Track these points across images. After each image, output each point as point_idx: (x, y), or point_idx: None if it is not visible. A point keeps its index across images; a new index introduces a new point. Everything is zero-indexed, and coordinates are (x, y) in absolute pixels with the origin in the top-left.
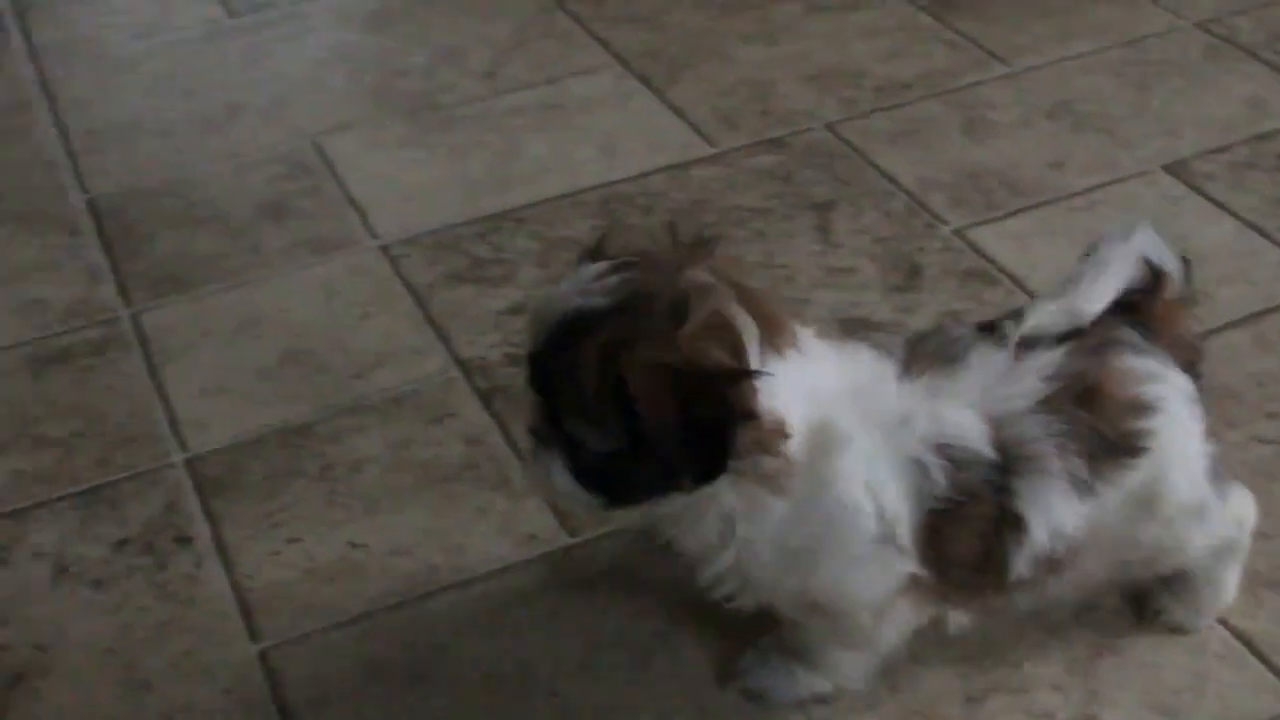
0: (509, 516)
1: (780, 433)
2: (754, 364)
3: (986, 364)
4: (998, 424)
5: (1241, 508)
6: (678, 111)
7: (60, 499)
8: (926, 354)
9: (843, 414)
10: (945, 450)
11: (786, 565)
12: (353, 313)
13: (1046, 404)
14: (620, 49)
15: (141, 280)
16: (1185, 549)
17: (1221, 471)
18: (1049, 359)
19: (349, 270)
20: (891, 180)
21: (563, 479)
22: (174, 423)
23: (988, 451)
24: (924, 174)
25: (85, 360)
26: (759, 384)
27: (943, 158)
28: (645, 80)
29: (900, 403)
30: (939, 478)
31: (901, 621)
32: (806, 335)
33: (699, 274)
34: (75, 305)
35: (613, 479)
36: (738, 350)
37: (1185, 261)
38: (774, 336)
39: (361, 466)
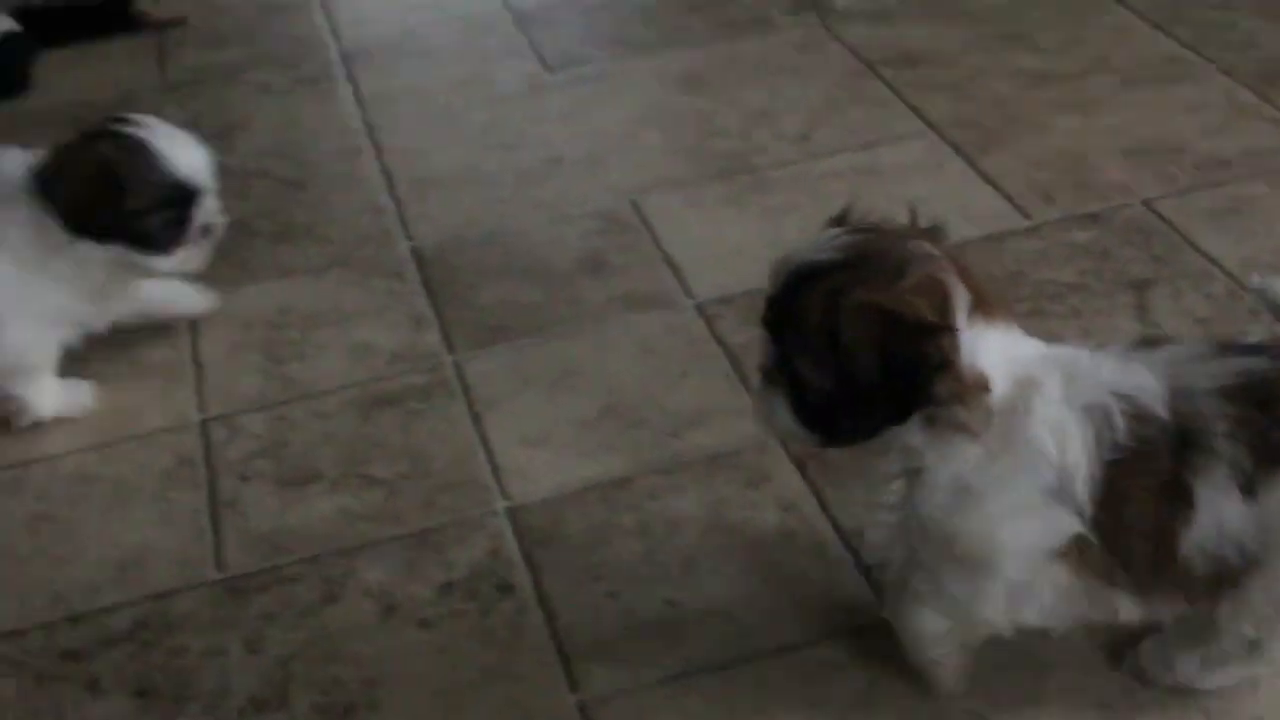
0: (825, 586)
1: (980, 387)
2: (958, 325)
3: (1183, 347)
4: (1177, 394)
5: None
6: (991, 181)
7: (388, 540)
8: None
9: (1040, 369)
10: (1125, 399)
11: (957, 504)
12: (670, 370)
13: (1228, 393)
14: (933, 116)
15: (464, 328)
16: None
17: None
18: (1248, 359)
19: (665, 328)
20: (1212, 261)
21: (784, 415)
22: (496, 470)
23: (1163, 413)
24: (1247, 255)
25: (411, 404)
26: (959, 341)
27: (1267, 240)
28: (958, 148)
29: (1093, 361)
30: (1119, 423)
31: (1058, 592)
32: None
33: (923, 245)
34: (401, 350)
35: (826, 417)
36: (944, 309)
37: None
38: (985, 307)
39: (679, 525)
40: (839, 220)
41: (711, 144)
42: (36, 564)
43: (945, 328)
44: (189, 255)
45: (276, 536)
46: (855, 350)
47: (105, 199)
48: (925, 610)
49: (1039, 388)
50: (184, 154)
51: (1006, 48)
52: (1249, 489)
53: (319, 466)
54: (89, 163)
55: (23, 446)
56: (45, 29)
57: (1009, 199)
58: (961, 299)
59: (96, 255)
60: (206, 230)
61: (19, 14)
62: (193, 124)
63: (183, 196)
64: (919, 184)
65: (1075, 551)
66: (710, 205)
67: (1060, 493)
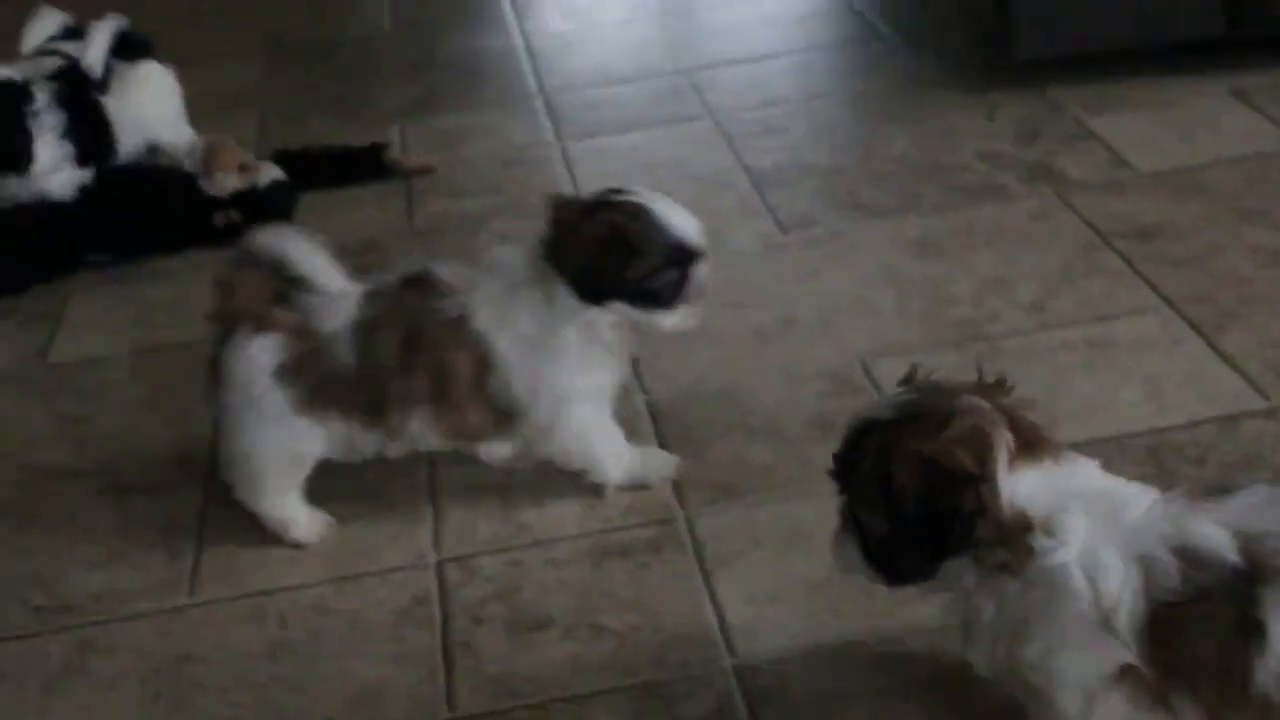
0: None
1: (1021, 528)
2: (998, 472)
3: (1256, 492)
4: (1251, 538)
5: None
6: (1229, 360)
7: (616, 690)
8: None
9: (1079, 509)
10: (1182, 552)
11: (1008, 634)
12: None
13: None
14: (1168, 291)
15: (697, 483)
16: None
17: None
18: None
19: None
20: None
21: (854, 555)
22: (724, 627)
23: (1232, 557)
24: None
25: (642, 556)
26: (997, 488)
27: None
28: (1194, 325)
29: (1145, 509)
30: (1170, 573)
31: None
32: (1072, 454)
33: (974, 400)
34: (634, 502)
35: (887, 558)
36: (984, 457)
37: None
38: (1032, 449)
39: (907, 692)
40: (905, 380)
41: (943, 310)
42: (274, 691)
43: (981, 476)
44: (688, 313)
45: (508, 680)
46: (902, 495)
47: (617, 262)
48: None
49: (1069, 531)
50: (681, 219)
51: (1243, 224)
52: None
53: (551, 613)
54: (599, 229)
55: (267, 575)
56: (304, 173)
57: (1246, 378)
58: (1004, 446)
59: (604, 318)
60: (699, 291)
61: (279, 157)
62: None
63: (683, 257)
64: (1154, 360)
65: (1130, 682)
66: (942, 371)
67: (1102, 624)
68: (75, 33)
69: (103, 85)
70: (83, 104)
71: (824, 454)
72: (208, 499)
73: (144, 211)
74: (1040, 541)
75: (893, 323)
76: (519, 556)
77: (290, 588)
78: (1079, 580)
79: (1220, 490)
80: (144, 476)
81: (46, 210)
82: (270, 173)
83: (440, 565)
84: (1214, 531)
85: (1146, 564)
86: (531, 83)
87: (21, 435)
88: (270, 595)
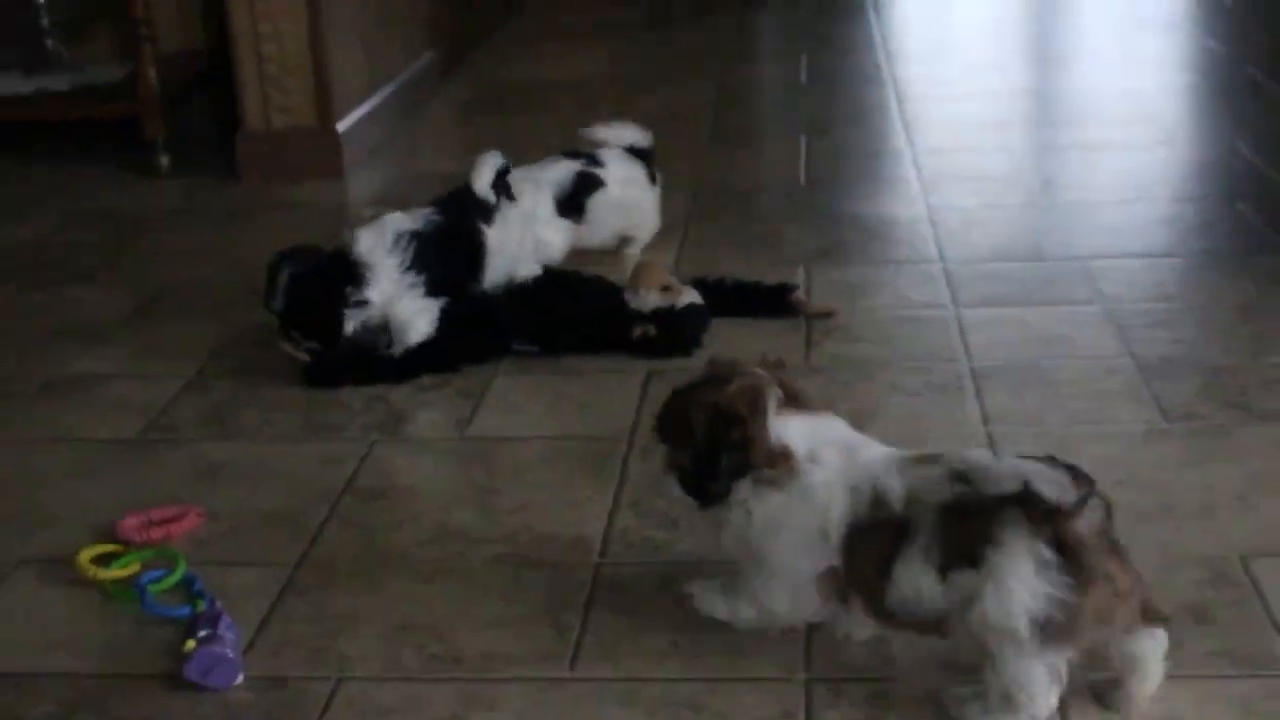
0: None
1: (784, 456)
2: (765, 416)
3: (938, 468)
4: (910, 498)
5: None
6: None
7: None
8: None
9: (831, 447)
10: (876, 493)
11: (761, 531)
12: None
13: (943, 508)
14: None
15: None
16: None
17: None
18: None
19: (1266, 693)
20: None
21: (674, 488)
22: None
23: (897, 506)
24: None
25: None
26: (765, 425)
27: None
28: None
29: (873, 457)
30: (864, 505)
31: (812, 601)
32: (827, 412)
33: (755, 370)
34: None
35: (696, 485)
36: (753, 406)
37: None
38: (799, 405)
39: None
40: (710, 362)
41: None
42: None
43: (750, 418)
44: None
45: None
46: (697, 434)
47: None
48: (741, 602)
49: (824, 459)
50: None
51: None
52: (942, 572)
53: None
54: None
55: (644, 664)
56: (717, 301)
57: None
58: (771, 399)
59: None
60: None
61: (697, 283)
62: (828, 407)
63: None
64: None
65: (827, 579)
66: None
67: (824, 535)
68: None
69: (488, 215)
70: (461, 234)
71: (1194, 642)
72: (596, 583)
73: (571, 313)
74: (803, 465)
75: (1276, 525)
76: (887, 689)
77: (665, 679)
78: (819, 498)
79: (926, 459)
80: (541, 550)
81: (484, 303)
82: (689, 296)
83: (809, 683)
84: (895, 484)
85: (856, 495)
86: (932, 249)
87: (437, 496)
88: (644, 683)
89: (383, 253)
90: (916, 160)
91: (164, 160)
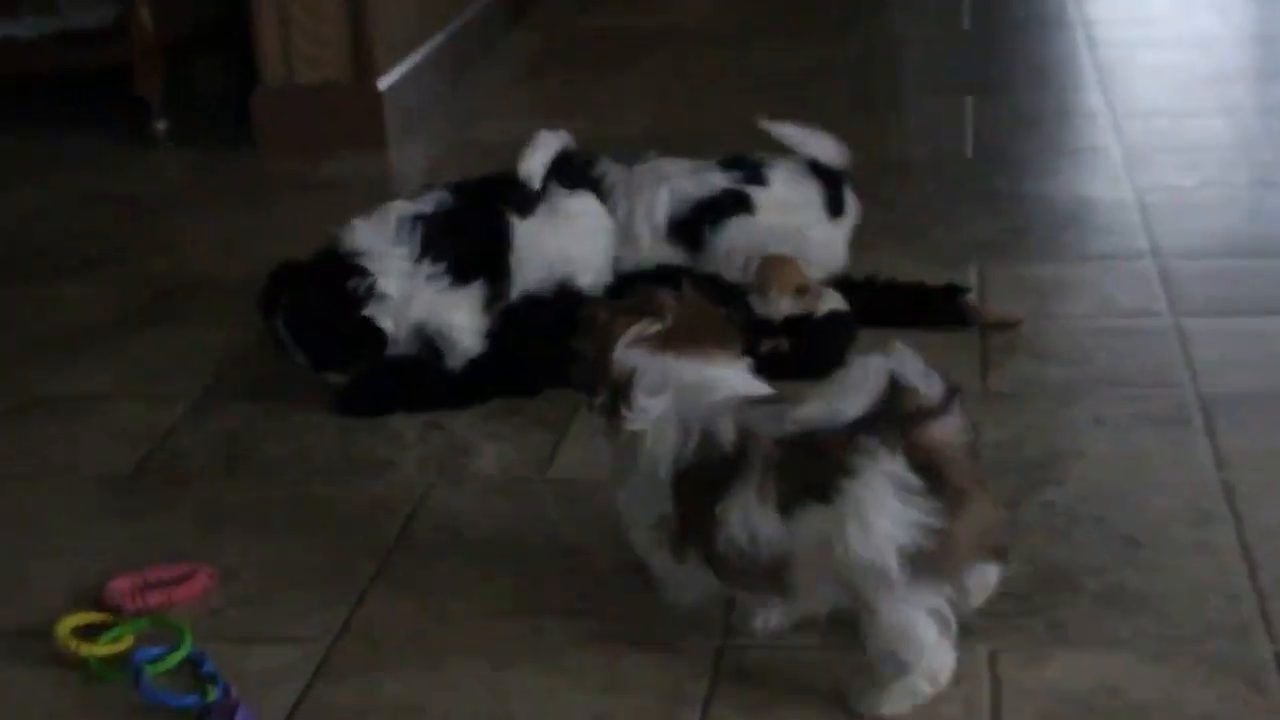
0: None
1: (623, 387)
2: (617, 343)
3: (774, 407)
4: (743, 435)
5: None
6: None
7: None
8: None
9: (672, 389)
10: (707, 434)
11: (616, 479)
12: None
13: (791, 439)
14: None
15: None
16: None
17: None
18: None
19: None
20: None
21: (583, 395)
22: None
23: (726, 448)
24: None
25: None
26: (615, 351)
27: None
28: None
29: (719, 399)
30: (693, 447)
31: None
32: (732, 360)
33: (661, 306)
34: None
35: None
36: (617, 333)
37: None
38: (684, 347)
39: None
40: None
41: None
42: None
43: (606, 342)
44: None
45: None
46: (583, 351)
47: None
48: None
49: (656, 403)
50: None
51: None
52: (785, 510)
53: None
54: None
55: None
56: (866, 306)
57: None
58: (637, 333)
59: None
60: None
61: (841, 284)
62: (1013, 445)
63: None
64: None
65: (664, 526)
66: None
67: (653, 479)
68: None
69: (526, 204)
70: (478, 222)
71: None
72: (718, 671)
73: None
74: (636, 402)
75: None
76: None
77: None
78: (648, 444)
79: (767, 400)
80: (646, 628)
81: (569, 302)
82: (831, 300)
83: None
84: (727, 422)
85: (684, 435)
86: (1142, 242)
87: (512, 554)
88: None
89: (386, 241)
90: (1116, 125)
91: (161, 126)
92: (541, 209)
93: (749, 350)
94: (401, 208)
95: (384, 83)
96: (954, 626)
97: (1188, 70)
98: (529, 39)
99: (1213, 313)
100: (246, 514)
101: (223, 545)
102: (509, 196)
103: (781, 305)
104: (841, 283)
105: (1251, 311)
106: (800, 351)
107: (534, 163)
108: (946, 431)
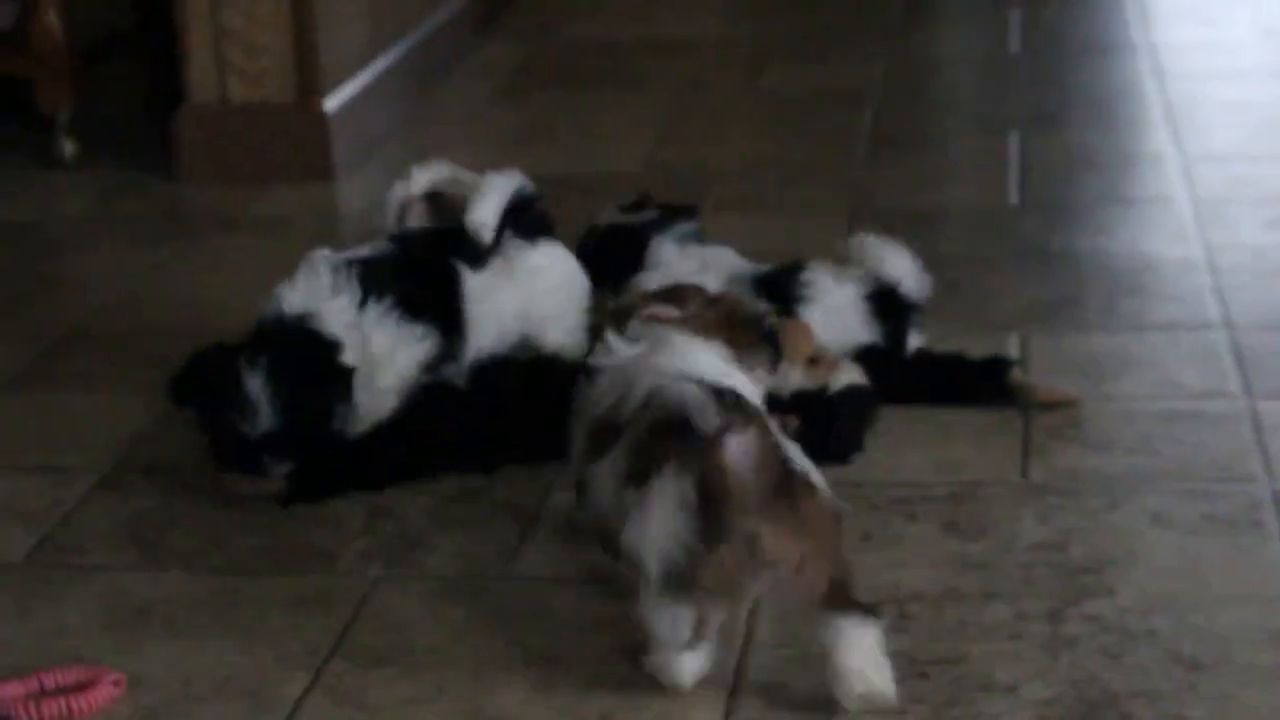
0: None
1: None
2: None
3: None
4: (645, 405)
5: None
6: None
7: None
8: None
9: (642, 350)
10: (625, 390)
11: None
12: None
13: (656, 422)
14: None
15: None
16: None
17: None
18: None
19: None
20: None
21: None
22: None
23: (629, 412)
24: None
25: None
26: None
27: None
28: None
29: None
30: (612, 401)
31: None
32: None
33: (685, 292)
34: None
35: None
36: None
37: None
38: (688, 328)
39: None
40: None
41: None
42: None
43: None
44: None
45: None
46: None
47: None
48: None
49: (630, 353)
50: None
51: None
52: (623, 484)
53: None
54: None
55: None
56: (893, 381)
57: None
58: (643, 309)
59: None
60: None
61: (864, 357)
62: (1057, 546)
63: None
64: None
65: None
66: None
67: (580, 420)
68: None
69: (479, 257)
70: (424, 273)
71: None
72: None
73: None
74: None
75: None
76: None
77: None
78: (594, 388)
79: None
80: None
81: (541, 368)
82: (849, 374)
83: None
84: (640, 389)
85: (612, 392)
86: (1213, 310)
87: (469, 667)
88: None
89: (323, 296)
90: (1187, 171)
91: (69, 147)
92: (496, 262)
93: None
94: (329, 255)
95: (331, 104)
96: (704, 641)
97: (1272, 107)
98: (503, 53)
99: None
100: (160, 611)
101: (131, 647)
102: (458, 248)
103: (792, 378)
104: (865, 353)
105: None
106: (812, 431)
107: (484, 212)
108: (735, 471)
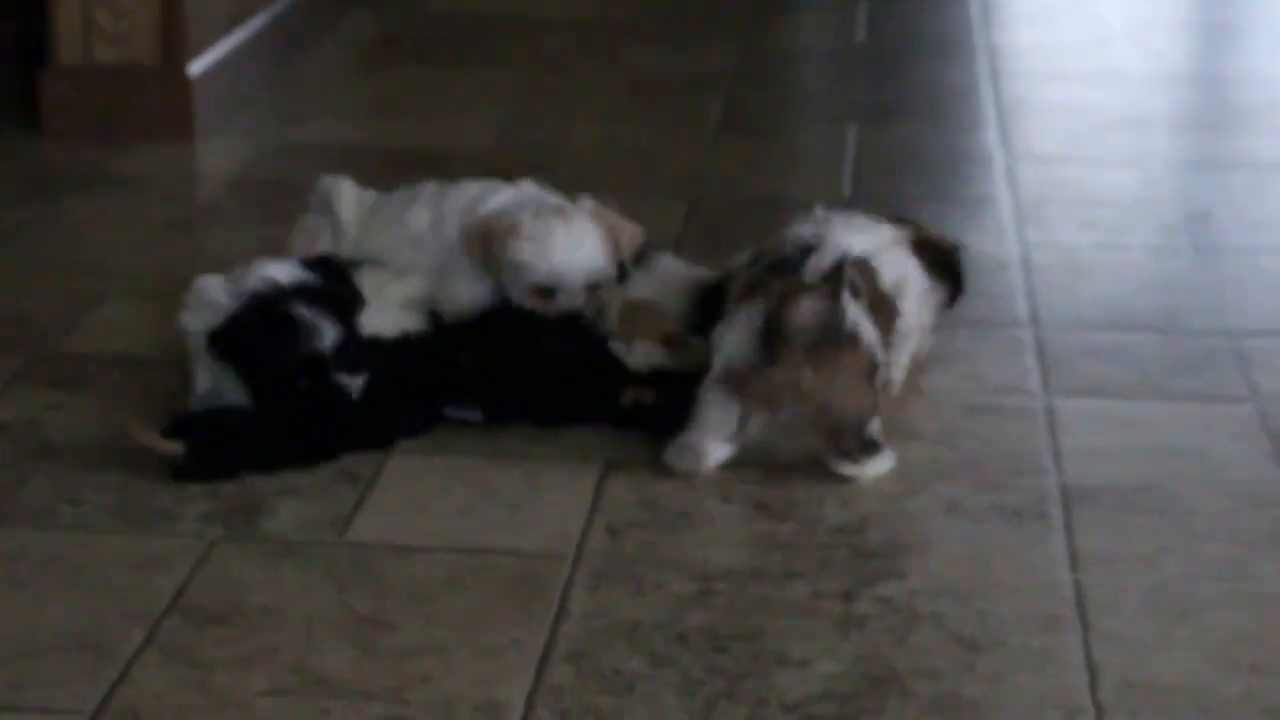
0: None
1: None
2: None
3: None
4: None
5: None
6: None
7: None
8: None
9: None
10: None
11: None
12: None
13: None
14: None
15: None
16: None
17: None
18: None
19: None
20: None
21: None
22: None
23: None
24: None
25: None
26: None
27: None
28: None
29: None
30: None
31: None
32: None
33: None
34: None
35: None
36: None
37: None
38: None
39: None
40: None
41: None
42: None
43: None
44: None
45: None
46: None
47: None
48: None
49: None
50: None
51: None
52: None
53: None
54: None
55: None
56: None
57: None
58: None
59: None
60: None
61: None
62: (855, 530)
63: None
64: None
65: None
66: None
67: None
68: None
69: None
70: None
71: None
72: None
73: (532, 367)
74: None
75: None
76: None
77: None
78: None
79: None
80: (437, 714)
81: (407, 347)
82: (701, 353)
83: None
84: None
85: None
86: (1021, 307)
87: (299, 626)
88: None
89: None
90: (1011, 171)
91: None
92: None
93: (611, 404)
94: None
95: (196, 67)
96: (736, 438)
97: (1097, 111)
98: (368, 23)
99: (1087, 393)
100: (7, 566)
101: None
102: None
103: (647, 354)
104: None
105: (1128, 394)
106: (666, 406)
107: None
108: (800, 318)
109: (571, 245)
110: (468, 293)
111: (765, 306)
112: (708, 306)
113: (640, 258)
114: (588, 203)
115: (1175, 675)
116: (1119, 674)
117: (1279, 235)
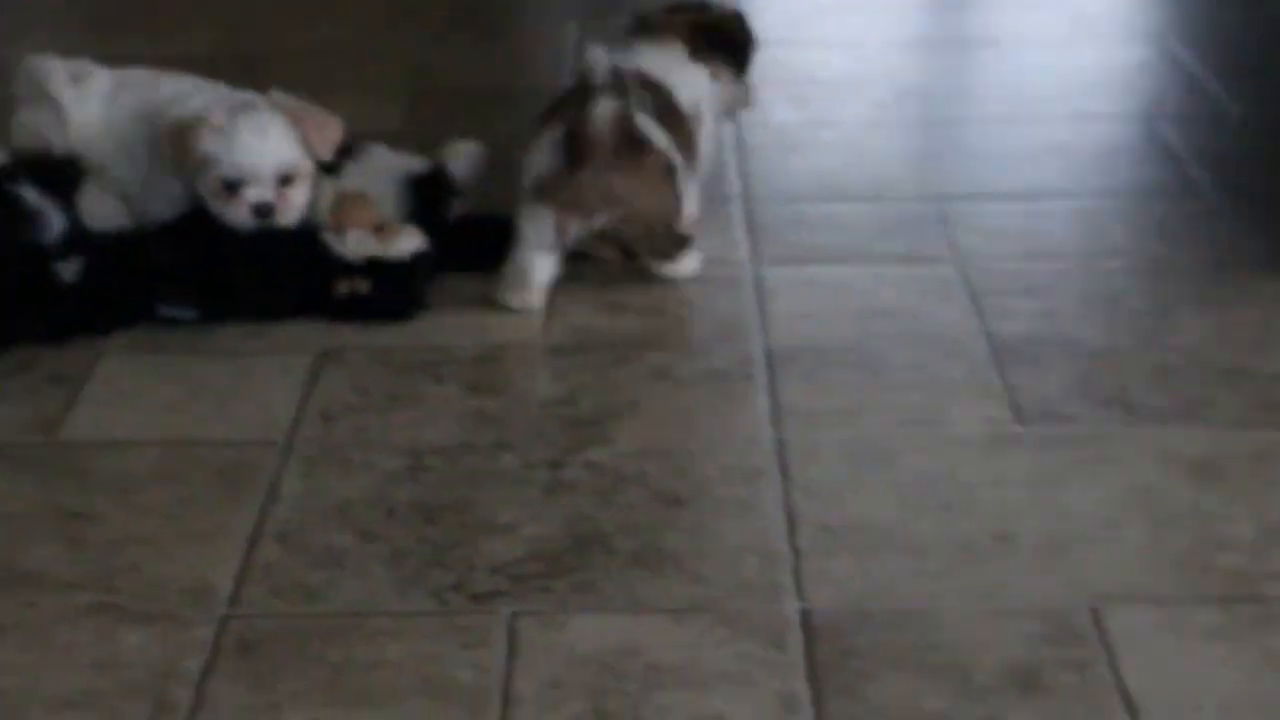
0: None
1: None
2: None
3: None
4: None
5: None
6: None
7: None
8: None
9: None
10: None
11: None
12: None
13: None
14: None
15: None
16: None
17: None
18: None
19: None
20: None
21: None
22: None
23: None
24: None
25: None
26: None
27: None
28: None
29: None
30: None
31: None
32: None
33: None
34: None
35: None
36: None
37: None
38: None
39: None
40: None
41: (1213, 556)
42: None
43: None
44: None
45: None
46: None
47: None
48: None
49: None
50: None
51: None
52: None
53: None
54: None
55: None
56: (453, 247)
57: None
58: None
59: None
60: None
61: (423, 222)
62: (565, 401)
63: None
64: None
65: None
66: (1196, 636)
67: None
68: None
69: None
70: None
71: (1019, 714)
72: (218, 648)
73: (243, 262)
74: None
75: (1140, 561)
76: None
77: None
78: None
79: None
80: (145, 602)
81: (120, 245)
82: (410, 241)
83: None
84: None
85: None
86: (734, 183)
87: (6, 526)
88: None
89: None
90: None
91: None
92: None
93: (326, 295)
94: None
95: None
96: (556, 251)
97: None
98: None
99: (796, 261)
100: None
101: None
102: None
103: (360, 244)
104: (420, 217)
105: (836, 260)
106: (381, 294)
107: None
108: (599, 120)
109: (256, 137)
110: (167, 192)
111: (564, 123)
112: (421, 194)
113: (351, 149)
114: (277, 96)
115: (869, 516)
116: (816, 519)
117: (983, 108)
